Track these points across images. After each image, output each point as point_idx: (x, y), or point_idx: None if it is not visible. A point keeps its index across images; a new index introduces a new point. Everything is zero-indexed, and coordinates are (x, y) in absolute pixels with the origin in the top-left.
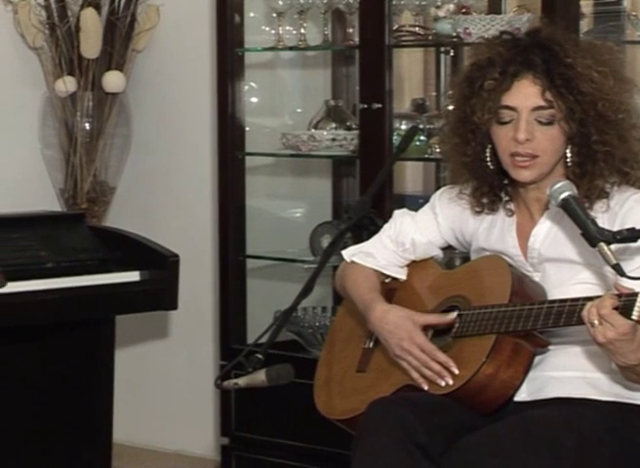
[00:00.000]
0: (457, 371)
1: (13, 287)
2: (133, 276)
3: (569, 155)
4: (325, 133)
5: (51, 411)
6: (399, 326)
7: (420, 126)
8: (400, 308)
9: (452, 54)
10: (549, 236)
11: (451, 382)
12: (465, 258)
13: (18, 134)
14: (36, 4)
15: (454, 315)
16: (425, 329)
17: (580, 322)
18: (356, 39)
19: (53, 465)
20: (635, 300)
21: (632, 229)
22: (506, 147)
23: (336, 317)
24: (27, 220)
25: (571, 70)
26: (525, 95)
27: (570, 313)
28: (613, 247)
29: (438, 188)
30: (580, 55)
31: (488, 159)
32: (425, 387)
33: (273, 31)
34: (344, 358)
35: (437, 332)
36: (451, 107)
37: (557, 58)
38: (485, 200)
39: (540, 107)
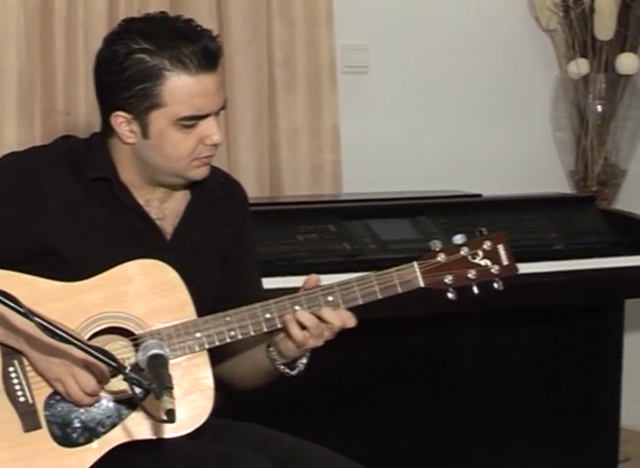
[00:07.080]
0: None
1: (523, 268)
2: None
3: None
4: None
5: (557, 394)
6: None
7: None
8: None
9: None
10: None
11: None
12: None
13: (529, 115)
14: None
15: None
16: None
17: None
18: None
19: (561, 447)
20: None
21: None
22: None
23: None
24: (538, 202)
25: None
26: None
27: None
28: None
29: None
30: None
31: None
32: None
33: None
34: None
35: None
36: None
37: None
38: None
39: None
